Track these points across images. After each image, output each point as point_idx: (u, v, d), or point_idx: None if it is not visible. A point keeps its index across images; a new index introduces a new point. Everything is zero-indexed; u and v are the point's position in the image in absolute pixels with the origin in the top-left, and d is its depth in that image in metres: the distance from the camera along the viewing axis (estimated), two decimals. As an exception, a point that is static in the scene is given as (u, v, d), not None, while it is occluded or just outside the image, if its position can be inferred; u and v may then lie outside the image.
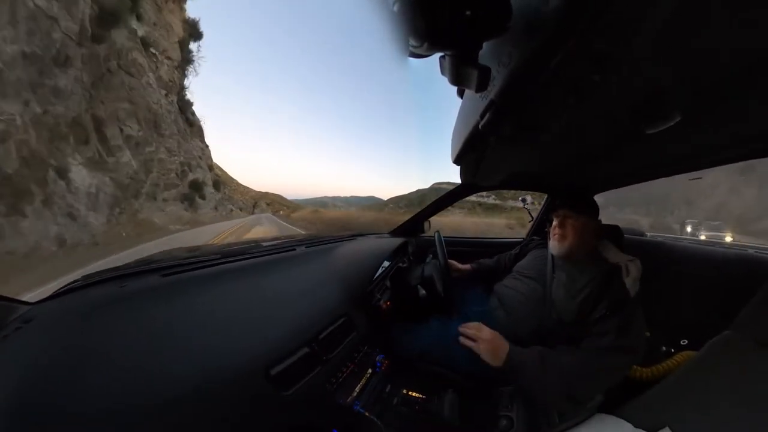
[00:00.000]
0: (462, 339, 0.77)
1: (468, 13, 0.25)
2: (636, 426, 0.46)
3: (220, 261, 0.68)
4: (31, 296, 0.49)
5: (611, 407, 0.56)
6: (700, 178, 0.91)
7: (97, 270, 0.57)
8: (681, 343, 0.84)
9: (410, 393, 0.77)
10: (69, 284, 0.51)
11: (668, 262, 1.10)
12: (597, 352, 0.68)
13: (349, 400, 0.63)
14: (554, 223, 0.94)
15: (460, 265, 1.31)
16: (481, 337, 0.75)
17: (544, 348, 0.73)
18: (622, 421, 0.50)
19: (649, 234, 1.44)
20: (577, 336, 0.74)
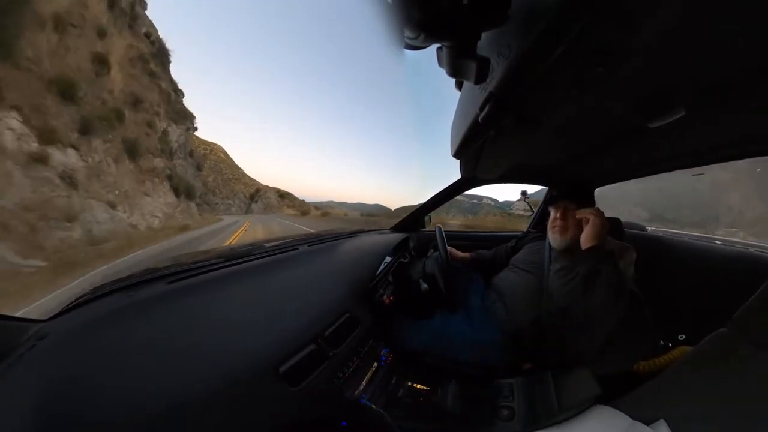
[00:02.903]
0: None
1: (466, 2, 0.25)
2: (633, 418, 0.47)
3: (224, 264, 0.69)
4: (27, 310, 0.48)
5: (608, 399, 0.57)
6: (703, 174, 0.90)
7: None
8: (679, 338, 0.85)
9: (414, 385, 0.79)
10: (78, 298, 0.52)
11: (668, 257, 1.09)
12: (591, 304, 0.68)
13: (356, 393, 0.64)
14: (553, 215, 0.93)
15: (459, 253, 1.33)
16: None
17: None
18: (619, 412, 0.51)
19: (649, 228, 1.44)
20: (576, 321, 0.74)
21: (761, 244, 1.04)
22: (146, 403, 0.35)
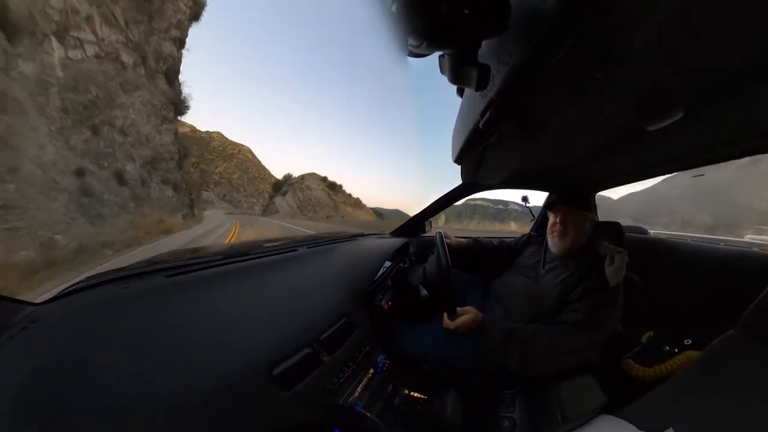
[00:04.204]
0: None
1: (466, 11, 0.25)
2: (639, 427, 0.46)
3: (223, 262, 0.69)
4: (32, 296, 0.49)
5: (614, 408, 0.55)
6: (703, 175, 0.91)
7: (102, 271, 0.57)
8: (684, 342, 0.83)
9: (412, 393, 0.77)
10: (73, 285, 0.52)
11: (671, 260, 1.09)
12: (561, 325, 0.75)
13: (350, 400, 0.62)
14: (553, 219, 0.94)
15: (455, 239, 1.29)
16: (460, 329, 0.82)
17: (515, 324, 0.80)
18: (626, 422, 0.49)
19: (652, 232, 1.43)
20: (564, 321, 0.78)
21: (766, 244, 1.04)
22: (132, 397, 0.34)
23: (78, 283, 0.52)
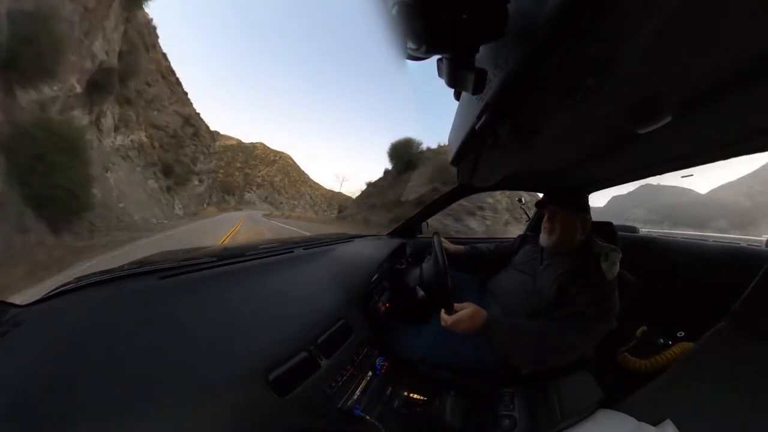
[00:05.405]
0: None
1: (465, 17, 0.26)
2: (639, 419, 0.47)
3: (217, 263, 0.68)
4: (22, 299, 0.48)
5: (613, 402, 0.56)
6: (692, 175, 0.94)
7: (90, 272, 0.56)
8: (678, 335, 0.86)
9: (411, 395, 0.77)
10: (61, 286, 0.50)
11: (663, 257, 1.12)
12: (564, 319, 0.77)
13: (349, 403, 0.62)
14: (544, 218, 1.00)
15: (453, 246, 1.32)
16: (460, 324, 0.78)
17: (519, 320, 0.82)
18: (625, 415, 0.50)
19: (643, 230, 1.48)
20: (561, 316, 0.79)
21: (752, 238, 1.09)
22: (121, 402, 0.33)
23: (67, 284, 0.51)
